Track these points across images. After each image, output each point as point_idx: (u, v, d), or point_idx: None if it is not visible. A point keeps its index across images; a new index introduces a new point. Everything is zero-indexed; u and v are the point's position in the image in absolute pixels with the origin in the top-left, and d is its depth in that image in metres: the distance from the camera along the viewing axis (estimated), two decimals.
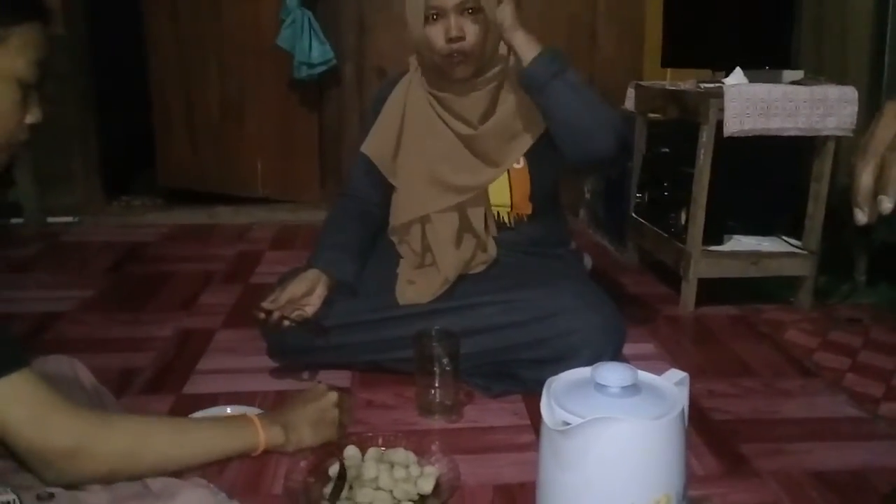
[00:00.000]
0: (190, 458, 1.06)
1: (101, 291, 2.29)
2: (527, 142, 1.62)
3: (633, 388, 1.02)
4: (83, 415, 0.92)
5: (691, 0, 2.44)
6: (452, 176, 1.63)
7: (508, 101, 1.61)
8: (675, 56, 2.52)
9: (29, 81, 0.86)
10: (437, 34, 1.51)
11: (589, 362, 1.18)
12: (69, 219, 3.16)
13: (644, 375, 1.06)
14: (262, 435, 1.18)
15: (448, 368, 1.43)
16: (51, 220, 3.12)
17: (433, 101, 1.64)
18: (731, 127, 1.95)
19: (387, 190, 1.71)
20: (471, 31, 1.49)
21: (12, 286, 2.33)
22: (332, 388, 1.33)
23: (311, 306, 1.55)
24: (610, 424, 0.95)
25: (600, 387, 1.01)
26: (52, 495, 0.87)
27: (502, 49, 1.56)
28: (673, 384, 1.06)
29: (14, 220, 3.09)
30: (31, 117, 0.90)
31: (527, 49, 1.48)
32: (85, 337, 1.92)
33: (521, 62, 1.48)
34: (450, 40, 1.49)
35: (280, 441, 1.21)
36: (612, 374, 1.01)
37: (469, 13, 1.49)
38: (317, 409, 1.26)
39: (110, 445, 0.92)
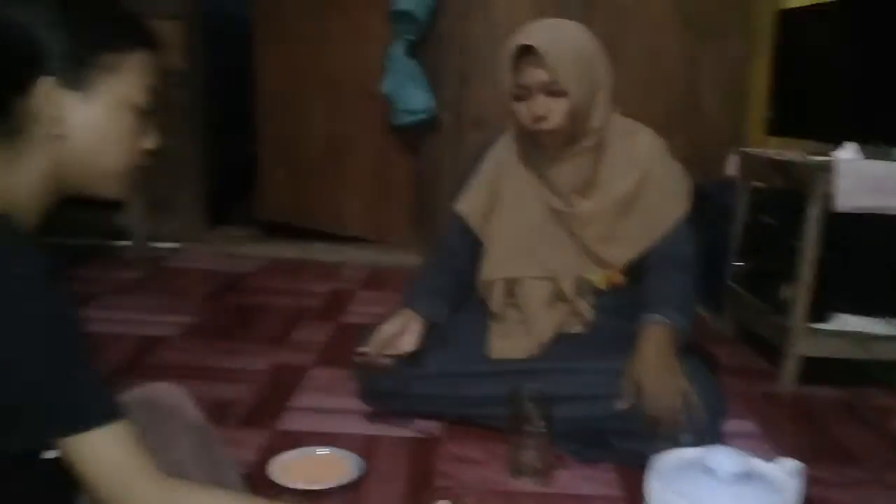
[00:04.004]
0: None
1: (200, 319, 2.36)
2: (631, 253, 1.63)
3: (744, 475, 0.99)
4: (162, 485, 0.87)
5: (801, 69, 2.39)
6: (544, 254, 1.64)
7: (611, 195, 1.61)
8: (781, 124, 2.47)
9: (143, 107, 0.87)
10: (523, 111, 1.54)
11: (688, 439, 1.15)
12: (172, 244, 3.29)
13: (754, 462, 1.03)
14: None
15: (542, 430, 1.42)
16: (154, 244, 3.25)
17: (528, 167, 1.66)
18: (843, 202, 1.89)
19: (479, 247, 1.71)
20: (555, 110, 1.51)
21: (117, 308, 2.44)
22: None
23: (408, 344, 1.56)
24: None
25: (709, 471, 0.99)
26: None
27: (596, 122, 1.57)
28: (785, 474, 1.02)
29: (119, 243, 3.22)
30: (149, 143, 0.91)
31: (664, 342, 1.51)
32: (183, 364, 1.98)
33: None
34: (534, 120, 1.52)
35: None
36: (724, 458, 0.98)
37: (553, 94, 1.50)
38: None
39: None
